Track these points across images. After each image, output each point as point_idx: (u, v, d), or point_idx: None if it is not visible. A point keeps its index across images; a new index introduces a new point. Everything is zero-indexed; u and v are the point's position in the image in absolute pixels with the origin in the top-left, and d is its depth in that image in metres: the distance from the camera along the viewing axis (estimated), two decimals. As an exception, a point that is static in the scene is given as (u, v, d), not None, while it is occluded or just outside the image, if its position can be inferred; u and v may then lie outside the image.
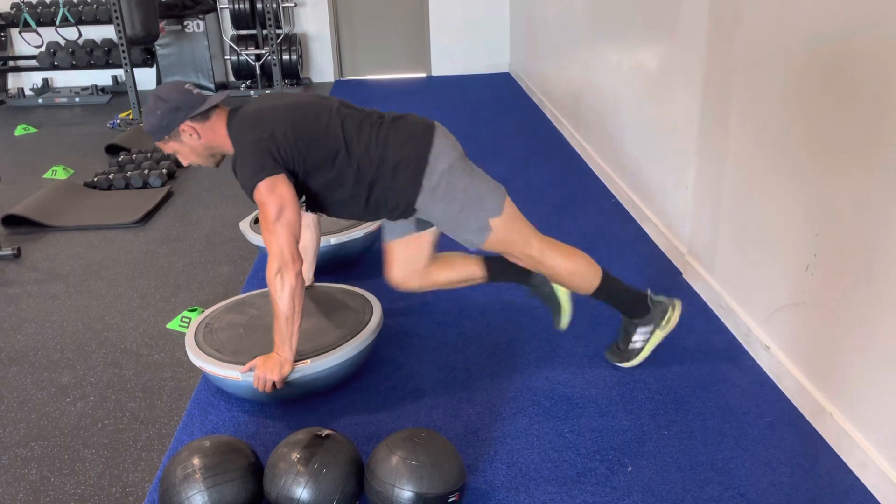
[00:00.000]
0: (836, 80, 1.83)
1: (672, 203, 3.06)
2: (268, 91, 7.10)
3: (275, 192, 1.96)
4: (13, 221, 3.73)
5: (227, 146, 2.09)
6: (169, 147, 2.11)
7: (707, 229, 2.66)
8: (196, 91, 2.06)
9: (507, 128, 5.46)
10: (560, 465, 1.89)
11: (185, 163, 2.17)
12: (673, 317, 2.25)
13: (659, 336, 2.26)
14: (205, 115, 2.06)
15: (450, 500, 1.63)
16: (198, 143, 2.08)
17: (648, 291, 2.26)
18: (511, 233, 2.10)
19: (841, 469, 1.83)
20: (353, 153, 2.03)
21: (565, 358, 2.37)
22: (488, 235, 2.07)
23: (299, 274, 1.98)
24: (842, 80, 1.81)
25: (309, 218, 2.44)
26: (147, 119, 2.06)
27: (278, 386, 2.01)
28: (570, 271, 2.16)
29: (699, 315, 2.60)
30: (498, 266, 2.28)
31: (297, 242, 2.01)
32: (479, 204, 2.06)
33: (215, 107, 2.08)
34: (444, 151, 2.05)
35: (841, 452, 1.87)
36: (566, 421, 2.06)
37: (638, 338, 2.27)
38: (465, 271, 2.28)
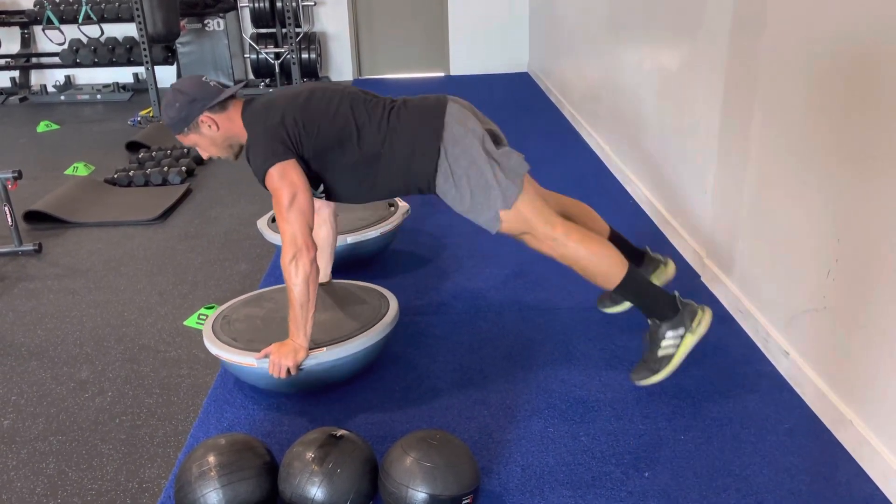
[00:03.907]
0: (861, 84, 1.81)
1: (691, 206, 3.03)
2: (287, 89, 7.13)
3: (286, 178, 1.98)
4: (35, 217, 3.77)
5: (244, 136, 2.11)
6: (189, 139, 2.13)
7: (726, 233, 2.63)
8: (213, 83, 2.10)
9: (526, 127, 5.44)
10: (575, 468, 1.88)
11: (204, 156, 2.19)
12: (704, 319, 2.09)
13: (690, 341, 2.07)
14: (222, 106, 2.08)
15: (463, 502, 1.63)
16: (217, 134, 2.10)
17: (676, 294, 2.14)
18: (527, 219, 2.07)
19: (861, 478, 1.80)
20: (364, 137, 2.06)
21: (581, 361, 2.35)
22: (500, 225, 2.09)
23: (314, 260, 2.00)
24: (867, 84, 1.78)
25: (325, 214, 2.45)
26: (166, 112, 2.08)
27: (293, 372, 2.02)
28: (592, 258, 2.07)
29: (717, 319, 2.56)
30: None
31: (311, 229, 2.02)
32: (489, 194, 2.06)
33: (232, 97, 2.10)
34: (457, 135, 2.06)
35: (861, 461, 1.84)
36: (581, 424, 2.04)
37: (669, 342, 2.08)
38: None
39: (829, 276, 1.96)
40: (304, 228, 1.99)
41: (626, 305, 2.30)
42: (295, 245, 1.97)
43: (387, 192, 2.19)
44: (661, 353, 2.09)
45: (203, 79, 2.11)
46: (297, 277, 1.97)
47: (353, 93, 2.14)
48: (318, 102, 2.08)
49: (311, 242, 2.00)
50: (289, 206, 1.97)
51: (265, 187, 2.04)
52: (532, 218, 2.08)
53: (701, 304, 2.14)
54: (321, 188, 2.18)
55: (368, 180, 2.13)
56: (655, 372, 2.10)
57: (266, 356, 2.04)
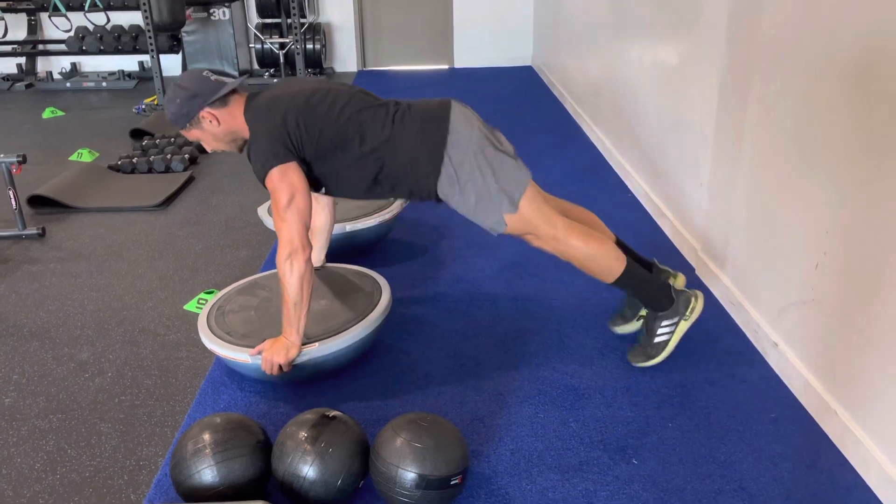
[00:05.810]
0: (854, 79, 1.83)
1: (687, 199, 3.06)
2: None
3: (286, 179, 2.00)
4: (39, 202, 3.81)
5: (246, 131, 2.13)
6: (192, 134, 2.15)
7: (721, 226, 2.66)
8: (214, 78, 2.10)
9: (528, 120, 5.46)
10: (563, 453, 1.91)
11: (208, 149, 2.21)
12: (697, 306, 2.22)
13: (684, 327, 2.22)
14: (223, 101, 2.09)
15: (452, 482, 1.66)
16: (218, 129, 2.12)
17: (672, 283, 2.27)
18: (530, 221, 2.09)
19: (843, 466, 1.84)
20: (367, 142, 2.06)
21: (573, 349, 2.39)
22: (504, 228, 2.10)
23: (308, 260, 2.02)
24: (860, 79, 1.80)
25: (325, 199, 2.48)
26: (168, 108, 2.10)
27: (285, 369, 2.06)
28: (592, 255, 2.12)
29: (710, 311, 2.59)
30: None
31: (307, 229, 2.04)
32: (494, 199, 2.06)
33: (233, 92, 2.11)
34: (461, 141, 2.06)
35: (844, 450, 1.87)
36: (571, 411, 2.08)
37: (664, 330, 2.22)
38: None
39: (818, 269, 1.98)
40: (300, 228, 2.01)
41: (637, 325, 2.39)
42: (291, 244, 1.99)
43: (388, 195, 2.20)
44: (657, 339, 2.24)
45: (203, 73, 2.10)
46: (292, 277, 2.00)
47: (357, 95, 2.13)
48: (322, 103, 2.07)
49: (308, 242, 2.03)
50: (286, 206, 1.99)
51: (265, 187, 2.06)
52: (535, 219, 2.10)
53: (693, 289, 2.27)
54: (322, 190, 2.20)
55: (368, 184, 2.14)
56: (651, 357, 2.25)
57: (259, 353, 2.07)
